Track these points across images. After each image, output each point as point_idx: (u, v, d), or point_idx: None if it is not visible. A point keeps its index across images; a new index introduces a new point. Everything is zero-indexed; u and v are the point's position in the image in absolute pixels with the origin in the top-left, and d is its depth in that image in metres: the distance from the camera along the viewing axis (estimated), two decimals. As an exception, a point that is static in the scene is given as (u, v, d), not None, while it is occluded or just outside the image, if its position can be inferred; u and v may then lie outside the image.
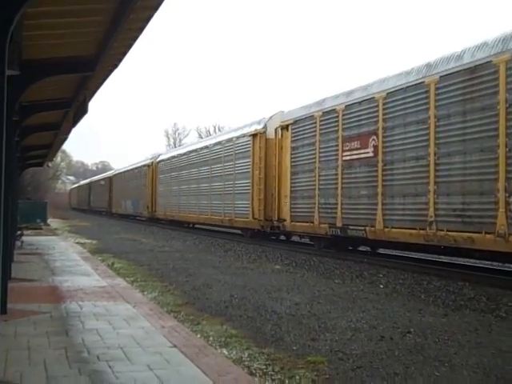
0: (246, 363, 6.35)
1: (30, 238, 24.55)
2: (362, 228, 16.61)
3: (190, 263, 16.58)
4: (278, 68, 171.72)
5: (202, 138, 73.92)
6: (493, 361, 6.51)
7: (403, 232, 15.06)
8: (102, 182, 67.51)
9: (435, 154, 13.94)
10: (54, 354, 6.36)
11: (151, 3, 7.18)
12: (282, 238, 25.30)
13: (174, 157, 39.09)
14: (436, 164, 13.91)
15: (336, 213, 18.02)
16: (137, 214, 48.63)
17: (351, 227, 17.23)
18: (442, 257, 16.97)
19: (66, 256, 18.07)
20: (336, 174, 18.20)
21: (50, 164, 47.39)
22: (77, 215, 68.25)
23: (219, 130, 76.27)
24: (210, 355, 6.48)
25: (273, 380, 5.80)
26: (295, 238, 23.79)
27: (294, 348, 7.05)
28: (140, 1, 6.78)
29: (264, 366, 6.24)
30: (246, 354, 6.70)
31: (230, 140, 27.83)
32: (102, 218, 59.71)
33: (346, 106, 17.82)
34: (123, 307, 9.26)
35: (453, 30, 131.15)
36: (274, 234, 24.61)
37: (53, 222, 43.89)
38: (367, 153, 16.63)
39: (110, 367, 5.84)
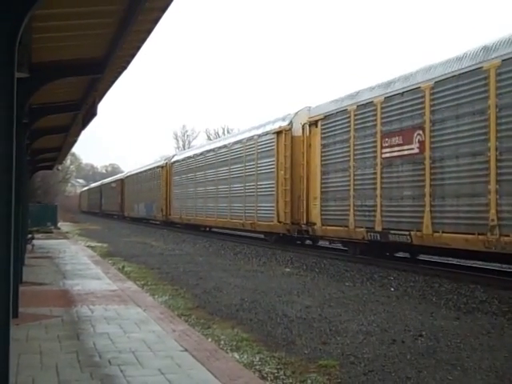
0: (258, 367, 6.33)
1: (40, 242, 24.64)
2: (406, 232, 15.08)
3: (201, 266, 16.58)
4: (286, 70, 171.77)
5: (210, 139, 73.68)
6: (506, 364, 6.46)
7: (457, 237, 13.57)
8: (114, 185, 66.26)
9: (496, 149, 12.49)
10: (65, 358, 6.37)
11: (159, 4, 7.19)
12: (308, 242, 23.95)
13: (189, 157, 37.42)
14: (498, 160, 12.44)
15: (375, 216, 16.52)
16: (150, 218, 47.22)
17: (393, 232, 15.72)
18: (451, 259, 16.85)
19: (76, 259, 18.12)
20: (374, 173, 16.66)
21: (59, 167, 47.29)
22: (87, 218, 68.45)
23: (228, 131, 76.22)
24: (221, 359, 6.46)
25: (284, 384, 5.77)
26: (322, 243, 22.99)
27: (306, 352, 7.02)
28: (148, 2, 6.79)
29: (275, 370, 6.22)
30: (257, 358, 6.69)
31: (251, 138, 26.26)
32: (112, 221, 59.83)
33: (386, 97, 16.23)
34: (134, 311, 9.27)
35: (454, 30, 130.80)
36: (301, 238, 23.17)
37: (63, 226, 44.04)
38: (411, 149, 15.12)
39: (121, 371, 5.84)
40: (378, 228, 16.40)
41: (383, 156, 16.35)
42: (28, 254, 17.80)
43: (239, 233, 30.46)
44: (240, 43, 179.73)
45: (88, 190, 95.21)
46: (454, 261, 16.84)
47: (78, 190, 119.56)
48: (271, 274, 14.66)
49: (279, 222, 22.85)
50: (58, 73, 9.75)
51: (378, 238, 16.49)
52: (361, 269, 15.60)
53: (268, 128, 24.59)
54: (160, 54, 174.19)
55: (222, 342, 7.45)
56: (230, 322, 8.72)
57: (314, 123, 20.35)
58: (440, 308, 10.03)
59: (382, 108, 16.42)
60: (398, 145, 15.66)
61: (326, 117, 19.47)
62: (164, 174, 42.68)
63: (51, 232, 33.76)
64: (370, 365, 6.47)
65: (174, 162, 41.13)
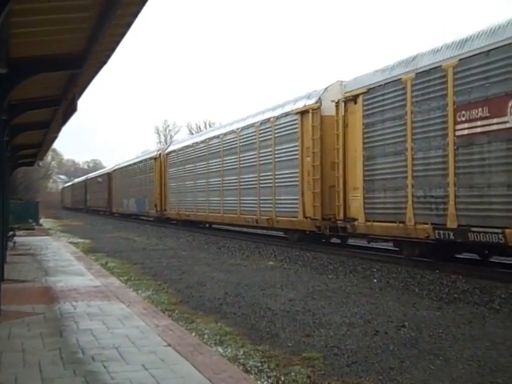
0: (242, 361, 6.34)
1: (22, 239, 24.44)
2: (499, 230, 11.79)
3: (184, 261, 16.56)
4: (267, 63, 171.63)
5: (192, 134, 73.11)
6: (487, 353, 6.53)
7: None
8: (100, 179, 63.13)
9: None
10: (48, 355, 6.33)
11: (137, -1, 7.16)
12: (332, 240, 20.37)
13: (188, 146, 33.59)
14: None
15: (446, 209, 13.24)
16: (142, 214, 44.14)
17: (475, 229, 12.42)
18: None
19: (59, 256, 18.01)
20: (444, 156, 13.34)
21: (40, 163, 46.80)
22: (69, 215, 68.02)
23: (210, 126, 75.91)
24: (205, 353, 6.47)
25: (268, 377, 5.79)
26: (352, 242, 20.22)
27: (289, 344, 7.05)
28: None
29: (259, 364, 6.24)
30: (241, 352, 6.70)
31: (266, 121, 22.64)
32: (94, 217, 59.52)
33: (461, 60, 12.91)
34: (117, 307, 9.24)
35: (448, 19, 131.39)
36: (326, 236, 19.59)
37: (45, 222, 43.73)
38: (504, 123, 11.86)
39: (105, 367, 5.82)
40: (452, 224, 13.07)
41: (458, 133, 13.02)
42: (9, 252, 17.65)
43: (252, 230, 27.12)
44: (221, 37, 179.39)
45: (72, 185, 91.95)
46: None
47: (60, 186, 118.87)
48: (255, 268, 14.69)
49: (305, 217, 19.49)
50: (37, 68, 9.68)
51: (452, 236, 13.17)
52: (344, 261, 15.66)
53: (288, 108, 21.04)
54: (141, 49, 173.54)
55: (206, 337, 7.46)
56: (214, 316, 8.72)
57: (351, 99, 16.91)
58: (422, 298, 10.11)
59: (455, 73, 13.10)
60: (483, 118, 12.38)
61: (370, 90, 16.04)
62: (157, 166, 39.09)
63: (33, 229, 33.49)
64: (353, 356, 6.51)
65: (170, 152, 37.37)
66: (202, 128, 79.83)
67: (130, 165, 49.56)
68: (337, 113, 17.70)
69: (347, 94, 17.16)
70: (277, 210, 21.51)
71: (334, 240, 20.14)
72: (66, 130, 21.34)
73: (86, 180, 74.27)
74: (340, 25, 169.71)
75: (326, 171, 18.65)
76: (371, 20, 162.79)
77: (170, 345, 6.75)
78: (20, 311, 8.84)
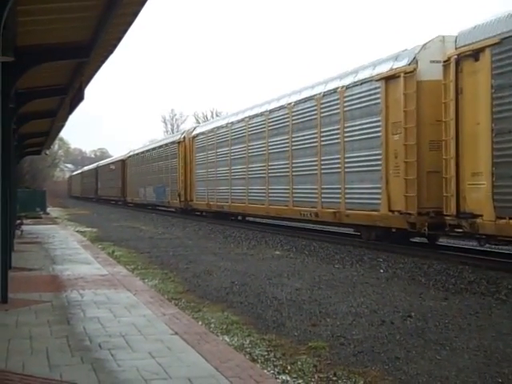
0: (248, 350, 6.36)
1: (29, 227, 24.55)
2: None
3: (190, 250, 16.59)
4: (274, 51, 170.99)
5: (199, 123, 72.76)
6: (493, 344, 6.53)
7: None
8: (113, 167, 59.12)
9: None
10: (55, 342, 6.36)
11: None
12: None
13: (220, 127, 29.28)
14: None
15: None
16: (162, 204, 40.24)
17: None
18: (441, 240, 16.87)
19: (66, 244, 18.08)
20: None
21: (47, 152, 46.72)
22: (76, 203, 68.25)
23: (217, 115, 75.58)
24: (212, 342, 6.48)
25: (275, 366, 5.81)
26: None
27: (296, 334, 7.06)
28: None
29: (266, 353, 6.25)
30: (248, 341, 6.72)
31: (332, 92, 18.54)
32: (101, 206, 59.63)
33: None
34: (124, 295, 9.27)
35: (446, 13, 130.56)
36: (436, 236, 15.90)
37: (52, 211, 43.89)
38: None
39: (112, 355, 5.85)
40: None
41: None
42: (17, 240, 17.73)
43: (306, 225, 22.93)
44: (227, 26, 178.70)
45: (81, 173, 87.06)
46: (444, 242, 16.88)
47: (67, 175, 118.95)
48: (261, 257, 14.70)
49: (391, 210, 15.60)
50: (44, 57, 9.68)
51: None
52: (350, 251, 15.65)
53: (365, 74, 17.07)
54: (148, 38, 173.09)
55: (212, 325, 7.48)
56: (220, 305, 8.74)
57: (470, 55, 12.83)
58: (429, 289, 10.10)
59: None
60: None
61: (504, 41, 11.98)
62: (182, 150, 34.67)
63: (40, 217, 33.65)
64: (359, 346, 6.51)
65: (197, 135, 32.90)
66: (209, 117, 79.70)
67: (147, 150, 45.59)
68: (445, 75, 13.69)
69: (464, 49, 13.02)
70: (347, 201, 17.48)
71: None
72: (73, 119, 21.43)
73: (97, 167, 70.32)
74: (347, 14, 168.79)
75: (422, 152, 14.83)
76: (375, 11, 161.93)
77: (176, 333, 6.77)
78: (27, 299, 8.88)
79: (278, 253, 15.73)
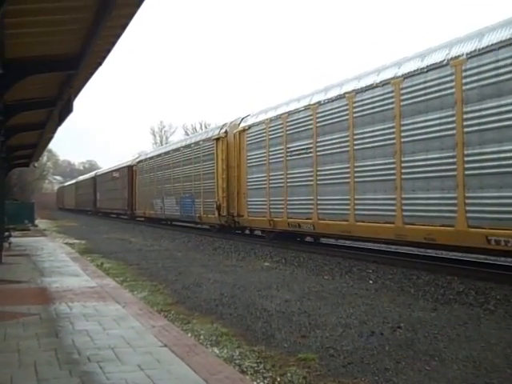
0: (237, 361, 6.35)
1: (17, 240, 24.37)
2: None
3: (180, 262, 16.55)
4: (261, 65, 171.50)
5: (188, 135, 72.67)
6: (482, 354, 6.55)
7: None
8: (116, 175, 50.88)
9: None
10: (44, 355, 6.31)
11: (133, 0, 7.17)
12: None
13: (295, 112, 19.79)
14: None
15: None
16: (190, 219, 31.56)
17: None
18: (430, 251, 16.97)
19: (54, 257, 17.96)
20: None
21: (36, 164, 46.32)
22: (65, 215, 67.87)
23: (205, 127, 75.66)
24: (201, 354, 6.46)
25: (264, 378, 5.80)
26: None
27: (285, 345, 7.05)
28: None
29: (255, 364, 6.24)
30: (237, 353, 6.70)
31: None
32: (89, 217, 59.32)
33: None
34: (113, 307, 9.22)
35: (448, 17, 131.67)
36: None
37: (41, 223, 43.61)
38: None
39: (100, 368, 5.81)
40: None
41: None
42: (5, 252, 17.58)
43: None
44: (216, 39, 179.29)
45: (75, 183, 79.20)
46: (432, 253, 16.97)
47: (56, 187, 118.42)
48: (250, 269, 14.68)
49: None
50: (33, 69, 9.70)
51: None
52: (340, 262, 15.67)
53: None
54: (137, 50, 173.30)
55: (202, 337, 7.46)
56: (210, 317, 8.72)
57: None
58: (418, 300, 10.13)
59: None
60: None
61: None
62: (222, 149, 26.30)
63: (28, 229, 33.43)
64: (349, 357, 6.52)
65: (249, 127, 23.38)
66: (198, 129, 79.69)
67: (165, 152, 37.19)
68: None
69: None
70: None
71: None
72: (62, 131, 21.33)
73: (96, 176, 62.54)
74: (329, 25, 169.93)
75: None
76: (370, 18, 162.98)
77: (165, 345, 6.74)
78: (15, 312, 8.81)
79: (267, 264, 15.72)
